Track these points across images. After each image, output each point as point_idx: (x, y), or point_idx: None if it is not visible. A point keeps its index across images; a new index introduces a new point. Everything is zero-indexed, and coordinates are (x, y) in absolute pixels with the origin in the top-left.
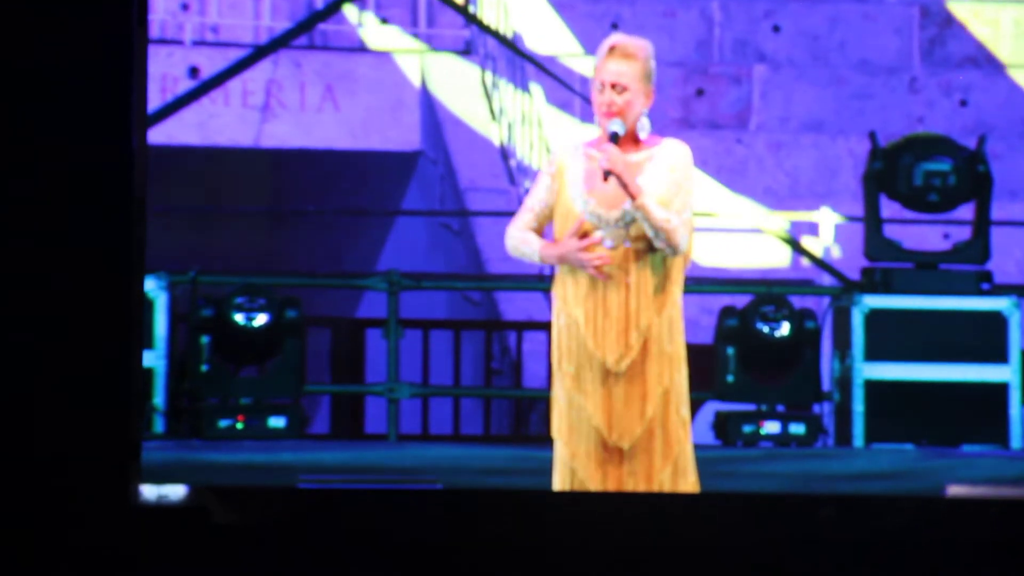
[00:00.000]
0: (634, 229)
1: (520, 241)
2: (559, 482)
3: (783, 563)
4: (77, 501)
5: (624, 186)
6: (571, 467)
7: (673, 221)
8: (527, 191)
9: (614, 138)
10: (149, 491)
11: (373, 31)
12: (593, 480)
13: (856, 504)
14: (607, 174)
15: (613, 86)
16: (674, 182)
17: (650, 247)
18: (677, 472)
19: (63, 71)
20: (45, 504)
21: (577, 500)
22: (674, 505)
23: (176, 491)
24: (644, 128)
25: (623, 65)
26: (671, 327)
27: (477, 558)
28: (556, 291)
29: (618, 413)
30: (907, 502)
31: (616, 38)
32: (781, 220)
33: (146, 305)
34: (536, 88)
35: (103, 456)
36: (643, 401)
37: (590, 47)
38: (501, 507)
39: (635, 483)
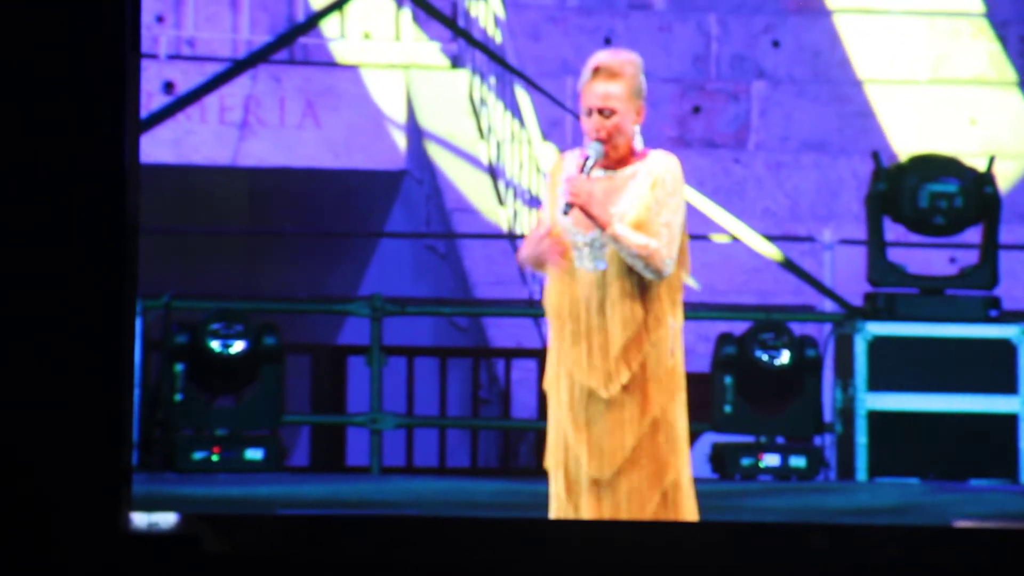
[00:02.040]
0: (611, 250)
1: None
2: (552, 515)
3: None
4: (68, 528)
5: (591, 217)
6: (559, 499)
7: (651, 245)
8: (516, 214)
9: (587, 163)
10: (140, 519)
11: (356, 45)
12: (579, 513)
13: (849, 535)
14: (567, 207)
15: (600, 111)
16: (655, 199)
17: (628, 271)
18: (667, 505)
19: (55, 87)
20: (35, 531)
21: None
22: (655, 534)
23: (167, 519)
24: (638, 144)
25: (609, 87)
26: (660, 351)
27: None
28: (547, 314)
29: (601, 442)
30: (901, 532)
31: (600, 57)
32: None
33: None
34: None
35: (94, 483)
36: (624, 430)
37: (582, 62)
38: (488, 535)
39: (626, 516)
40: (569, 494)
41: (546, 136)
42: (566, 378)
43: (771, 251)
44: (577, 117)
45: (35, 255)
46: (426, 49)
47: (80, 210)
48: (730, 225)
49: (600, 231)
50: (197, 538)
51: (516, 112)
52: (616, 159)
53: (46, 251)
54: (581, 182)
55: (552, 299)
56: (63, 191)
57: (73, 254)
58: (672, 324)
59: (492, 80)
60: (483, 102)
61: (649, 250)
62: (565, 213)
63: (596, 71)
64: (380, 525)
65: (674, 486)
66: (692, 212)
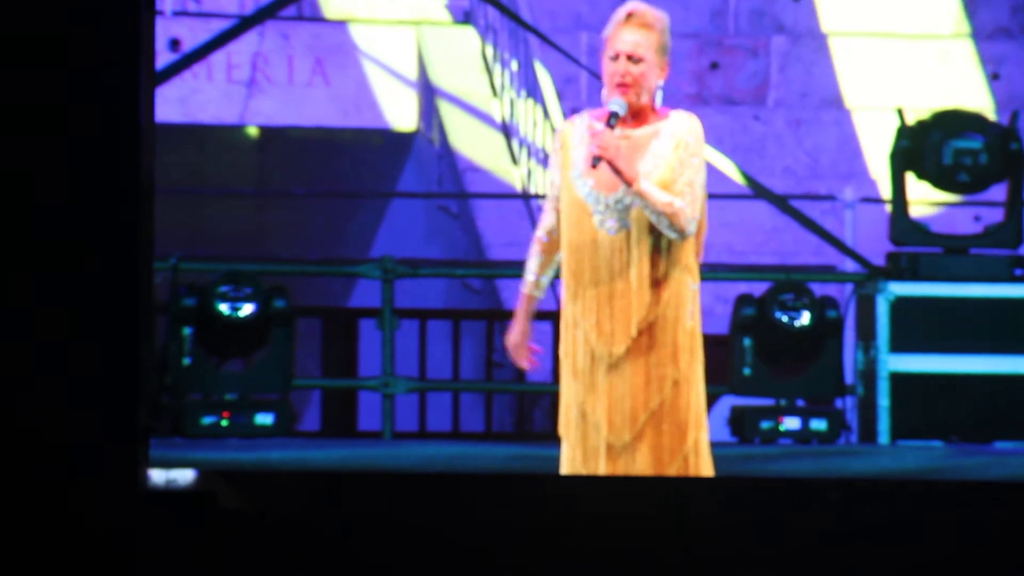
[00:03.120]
0: (635, 212)
1: (526, 265)
2: None
3: (798, 545)
4: (86, 485)
5: (618, 172)
6: (575, 465)
7: (676, 204)
8: (530, 173)
9: (612, 119)
10: (157, 475)
11: (366, 1)
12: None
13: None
14: (596, 160)
15: (629, 56)
16: (679, 160)
17: (652, 229)
18: (687, 469)
19: (68, 46)
20: (54, 488)
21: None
22: (673, 490)
23: (184, 475)
24: (660, 101)
25: (639, 35)
26: (680, 313)
27: (484, 543)
28: (563, 278)
29: (621, 406)
30: (918, 486)
31: (633, 5)
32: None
33: None
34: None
35: (112, 440)
36: (645, 394)
37: (597, 18)
38: (508, 492)
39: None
40: (587, 461)
41: (561, 93)
42: (584, 343)
43: (791, 210)
44: (593, 74)
45: (51, 218)
46: (438, 4)
47: (95, 171)
48: (749, 183)
49: (625, 189)
50: (214, 494)
51: (530, 70)
52: (635, 116)
53: (62, 214)
54: (608, 136)
55: (571, 262)
56: (78, 151)
57: (89, 216)
58: (692, 286)
59: (504, 36)
60: (496, 58)
61: (674, 208)
62: (593, 166)
63: (629, 16)
64: (398, 482)
65: (694, 450)
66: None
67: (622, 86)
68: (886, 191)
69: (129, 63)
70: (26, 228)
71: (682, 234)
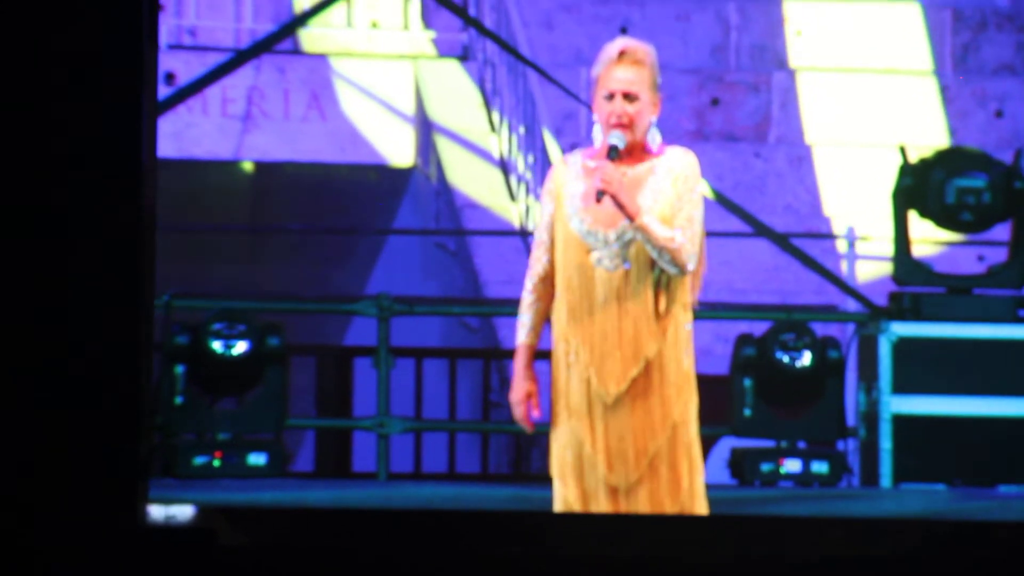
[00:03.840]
0: (633, 248)
1: (520, 317)
2: None
3: None
4: (87, 521)
5: (620, 207)
6: (570, 506)
7: (677, 239)
8: (528, 209)
9: (613, 152)
10: (157, 511)
11: (363, 34)
12: None
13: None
14: (600, 194)
15: (625, 95)
16: (677, 195)
17: (652, 266)
18: (684, 512)
19: (71, 81)
20: (54, 524)
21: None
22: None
23: (184, 512)
24: (655, 140)
25: (632, 72)
26: (678, 354)
27: None
28: (554, 316)
29: (619, 449)
30: (916, 525)
31: (623, 42)
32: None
33: None
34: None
35: (112, 476)
36: (645, 436)
37: (597, 53)
38: (504, 529)
39: None
40: (586, 502)
41: (560, 130)
42: (580, 383)
43: (792, 249)
44: (591, 109)
45: (53, 252)
46: (436, 39)
47: (98, 206)
48: (750, 221)
49: (624, 225)
50: (214, 531)
51: (529, 105)
52: (631, 153)
53: (64, 248)
54: (611, 169)
55: (567, 300)
56: (81, 187)
57: (91, 250)
58: (687, 325)
59: (503, 71)
60: (495, 93)
61: (676, 243)
62: (597, 200)
63: (622, 54)
64: (395, 520)
65: (690, 495)
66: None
67: (620, 126)
68: (889, 230)
69: (131, 99)
70: (27, 263)
71: (683, 270)
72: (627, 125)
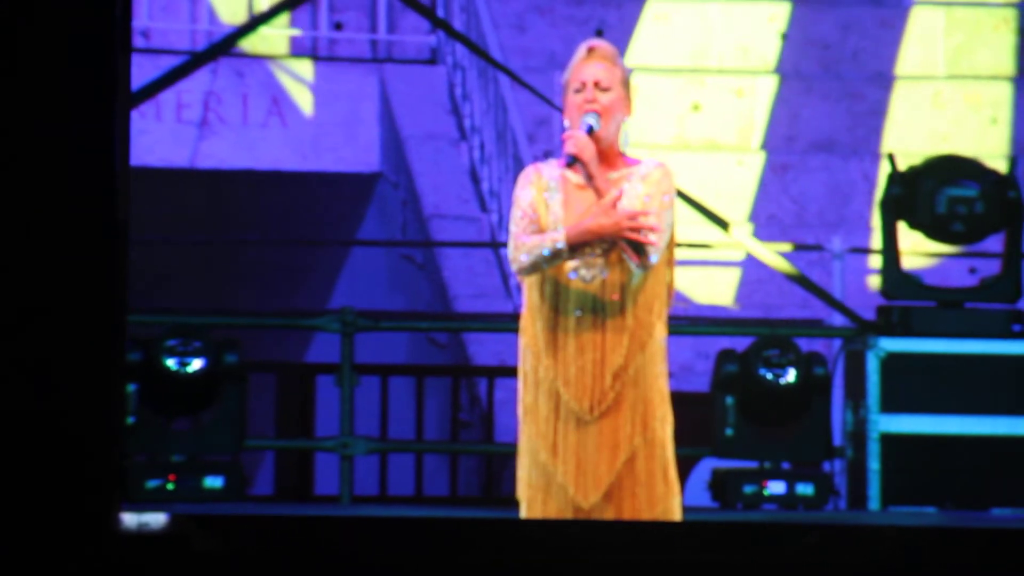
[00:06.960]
0: (612, 258)
1: (536, 244)
2: None
3: None
4: (59, 528)
5: (591, 177)
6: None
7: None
8: (500, 220)
9: (588, 130)
10: (129, 519)
11: (327, 37)
12: None
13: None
14: (571, 160)
15: (596, 84)
16: (648, 193)
17: (629, 279)
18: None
19: (41, 89)
20: (26, 532)
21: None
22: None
23: (156, 519)
24: (626, 142)
25: (603, 67)
26: (655, 368)
27: None
28: (522, 329)
29: (588, 468)
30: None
31: (592, 41)
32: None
33: None
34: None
35: (84, 483)
36: (617, 453)
37: (571, 55)
38: (479, 535)
39: None
40: None
41: (533, 136)
42: (549, 398)
43: (776, 261)
44: (564, 114)
45: (25, 261)
46: (402, 41)
47: (69, 216)
48: (733, 233)
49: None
50: (187, 538)
51: (500, 110)
52: (604, 159)
53: (35, 258)
54: (583, 138)
55: (540, 313)
56: (53, 196)
57: (64, 260)
58: (661, 339)
59: (473, 75)
60: (465, 98)
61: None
62: (568, 165)
63: (591, 51)
64: (367, 527)
65: (665, 517)
66: (692, 219)
67: (593, 110)
68: (877, 241)
69: (104, 106)
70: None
71: (643, 265)
72: (600, 111)
